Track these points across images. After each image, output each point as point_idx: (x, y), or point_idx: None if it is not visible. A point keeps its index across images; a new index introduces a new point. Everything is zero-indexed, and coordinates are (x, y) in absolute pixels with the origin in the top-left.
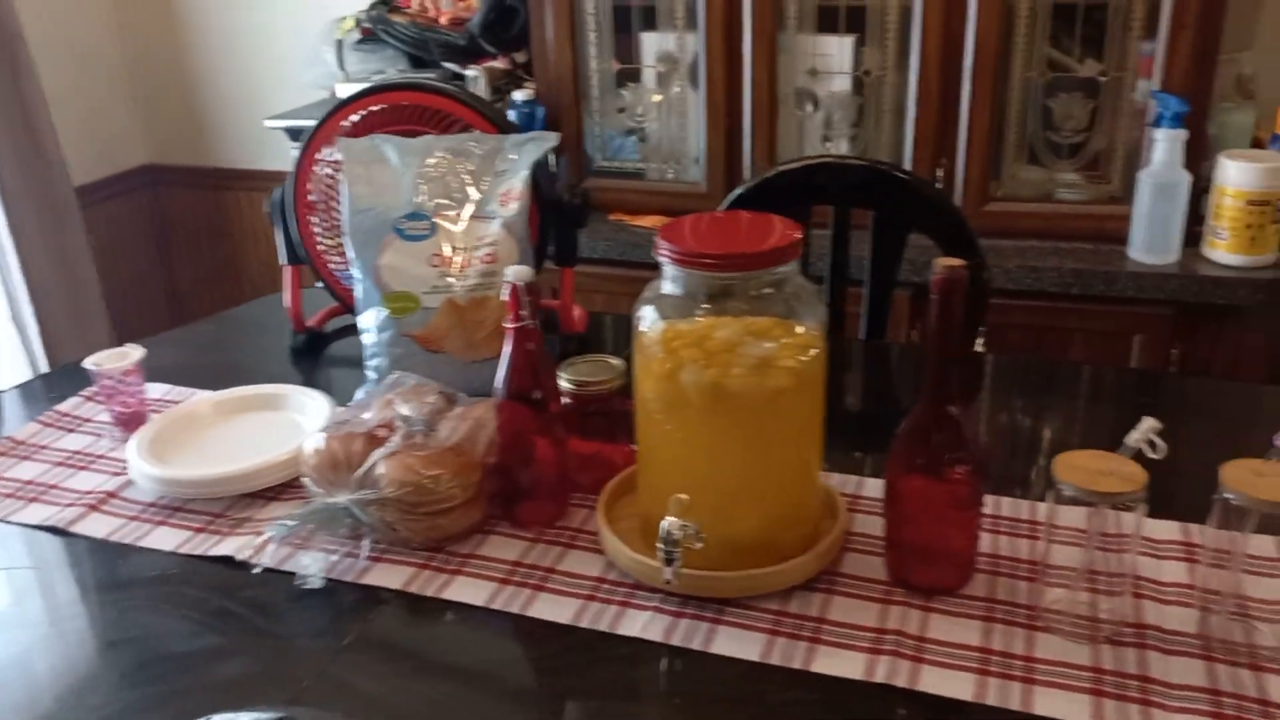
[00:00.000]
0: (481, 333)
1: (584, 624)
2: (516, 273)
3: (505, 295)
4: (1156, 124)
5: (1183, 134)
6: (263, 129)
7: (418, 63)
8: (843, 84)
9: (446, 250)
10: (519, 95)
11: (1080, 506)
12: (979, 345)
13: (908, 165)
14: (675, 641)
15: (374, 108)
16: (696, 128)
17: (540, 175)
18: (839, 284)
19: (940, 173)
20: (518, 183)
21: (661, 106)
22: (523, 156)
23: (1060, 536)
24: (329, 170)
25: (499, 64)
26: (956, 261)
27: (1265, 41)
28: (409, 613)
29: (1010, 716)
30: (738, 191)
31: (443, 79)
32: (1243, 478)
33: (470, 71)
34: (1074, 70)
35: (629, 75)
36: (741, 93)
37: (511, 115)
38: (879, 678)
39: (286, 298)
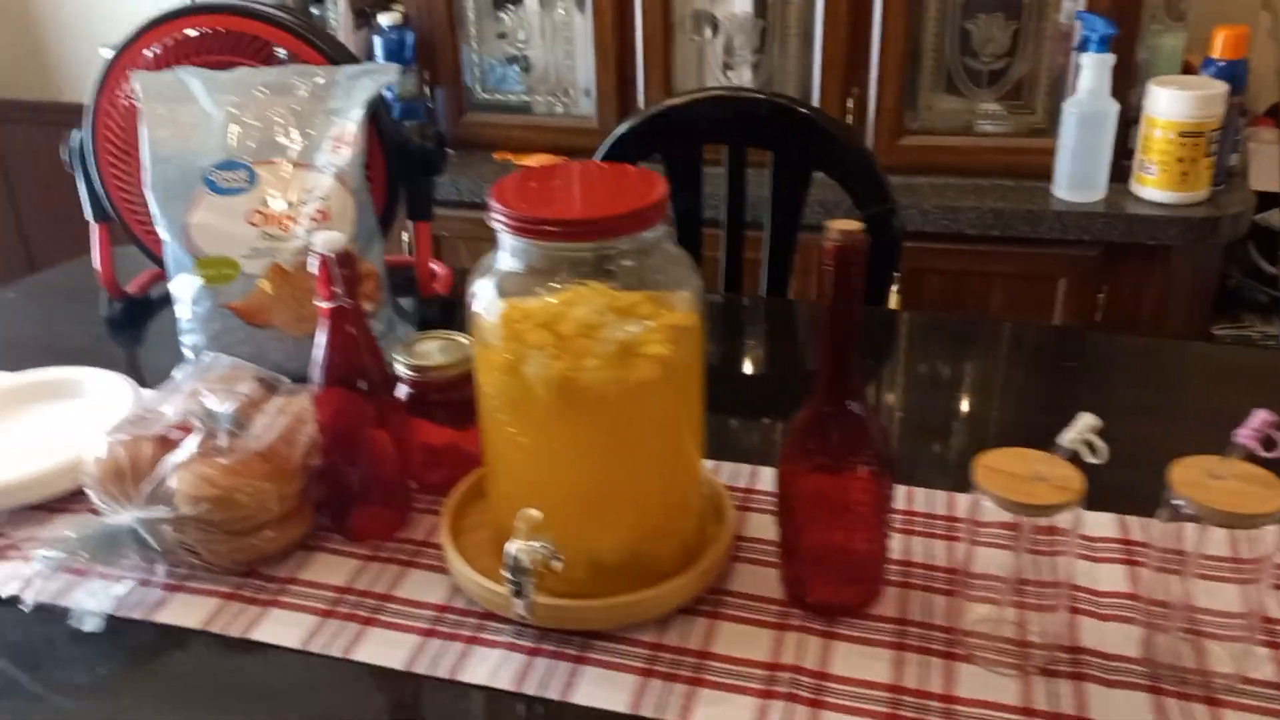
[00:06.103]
0: (314, 303)
1: (420, 669)
2: (325, 242)
3: (313, 269)
4: (1082, 48)
5: (1110, 59)
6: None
7: None
8: (744, 5)
9: (269, 205)
10: (385, 20)
11: None
12: (893, 301)
13: (816, 95)
14: (529, 690)
15: (185, 33)
16: (585, 55)
17: (382, 115)
18: (737, 229)
19: (851, 104)
20: (351, 125)
21: (545, 32)
22: (355, 93)
23: (984, 537)
24: (128, 106)
25: None
26: (853, 224)
27: None
28: (209, 658)
29: None
30: (619, 131)
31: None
32: (1194, 480)
33: None
34: None
35: None
36: (633, 15)
37: (377, 43)
38: None
39: (96, 259)
